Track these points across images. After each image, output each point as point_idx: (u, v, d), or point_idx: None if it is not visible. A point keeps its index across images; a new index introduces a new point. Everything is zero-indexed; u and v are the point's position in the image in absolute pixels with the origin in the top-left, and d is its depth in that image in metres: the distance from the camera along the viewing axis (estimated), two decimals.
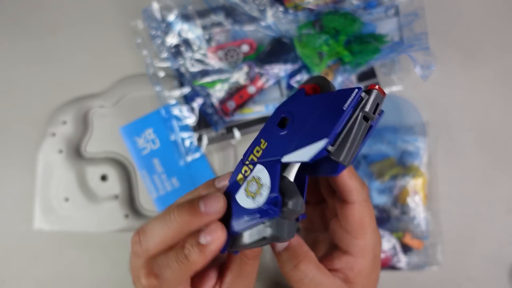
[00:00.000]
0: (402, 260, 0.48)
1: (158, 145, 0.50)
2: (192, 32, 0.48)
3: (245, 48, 0.48)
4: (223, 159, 0.50)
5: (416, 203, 0.48)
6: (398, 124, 0.49)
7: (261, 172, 0.24)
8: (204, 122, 0.49)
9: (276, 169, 0.24)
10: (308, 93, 0.26)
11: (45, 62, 0.52)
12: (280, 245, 0.28)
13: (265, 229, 0.23)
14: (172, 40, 0.48)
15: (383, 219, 0.48)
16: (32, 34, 0.52)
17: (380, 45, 0.45)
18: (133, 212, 0.50)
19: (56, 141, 0.50)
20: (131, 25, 0.49)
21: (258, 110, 0.49)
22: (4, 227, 0.51)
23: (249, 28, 0.48)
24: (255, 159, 0.26)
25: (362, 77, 0.49)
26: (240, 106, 0.49)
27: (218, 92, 0.48)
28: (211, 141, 0.49)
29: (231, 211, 0.25)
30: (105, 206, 0.49)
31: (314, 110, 0.24)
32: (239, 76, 0.48)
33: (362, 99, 0.23)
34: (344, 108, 0.23)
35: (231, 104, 0.48)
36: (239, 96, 0.48)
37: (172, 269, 0.24)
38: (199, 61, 0.48)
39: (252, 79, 0.48)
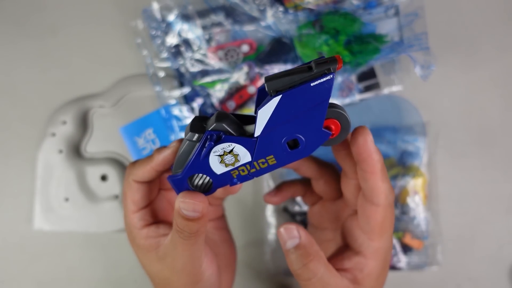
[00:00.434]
0: (402, 260, 0.48)
1: (158, 145, 0.50)
2: (192, 32, 0.48)
3: (245, 48, 0.48)
4: None
5: (416, 203, 0.48)
6: (398, 124, 0.49)
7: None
8: None
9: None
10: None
11: (45, 62, 0.52)
12: (290, 243, 0.28)
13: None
14: (172, 40, 0.48)
15: None
16: (32, 34, 0.52)
17: (380, 45, 0.45)
18: None
19: (56, 141, 0.50)
20: (131, 25, 0.49)
21: None
22: (4, 227, 0.51)
23: (249, 28, 0.48)
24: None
25: (362, 77, 0.49)
26: (240, 106, 0.49)
27: (218, 92, 0.48)
28: None
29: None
30: (105, 206, 0.49)
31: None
32: (239, 76, 0.48)
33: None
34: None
35: (231, 104, 0.48)
36: (239, 96, 0.48)
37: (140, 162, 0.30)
38: (199, 61, 0.48)
39: (252, 79, 0.48)
